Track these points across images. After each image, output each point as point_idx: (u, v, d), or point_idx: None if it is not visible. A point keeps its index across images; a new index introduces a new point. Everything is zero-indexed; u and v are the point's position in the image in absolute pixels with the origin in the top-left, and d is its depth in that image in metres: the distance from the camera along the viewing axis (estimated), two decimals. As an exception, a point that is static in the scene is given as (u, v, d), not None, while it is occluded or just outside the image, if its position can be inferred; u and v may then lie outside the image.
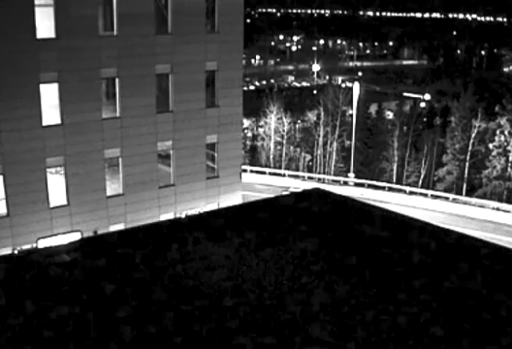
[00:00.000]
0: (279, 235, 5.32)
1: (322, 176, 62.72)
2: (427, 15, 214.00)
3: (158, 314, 3.96)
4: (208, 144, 30.03)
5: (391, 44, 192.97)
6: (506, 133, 62.98)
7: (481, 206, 52.42)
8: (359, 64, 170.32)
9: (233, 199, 29.98)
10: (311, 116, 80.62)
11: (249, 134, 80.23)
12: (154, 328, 3.78)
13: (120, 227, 25.50)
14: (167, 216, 27.60)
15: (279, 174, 61.93)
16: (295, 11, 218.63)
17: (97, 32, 25.80)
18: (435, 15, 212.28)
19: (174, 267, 4.66)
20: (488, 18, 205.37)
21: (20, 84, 23.88)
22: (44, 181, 25.30)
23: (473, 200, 55.26)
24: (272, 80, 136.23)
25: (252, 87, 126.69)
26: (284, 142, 74.34)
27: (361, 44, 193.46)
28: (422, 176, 70.13)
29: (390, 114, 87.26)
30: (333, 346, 3.61)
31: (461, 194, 60.73)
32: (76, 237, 24.44)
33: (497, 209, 51.54)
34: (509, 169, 63.19)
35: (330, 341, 3.67)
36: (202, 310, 4.00)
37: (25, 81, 23.99)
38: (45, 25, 24.32)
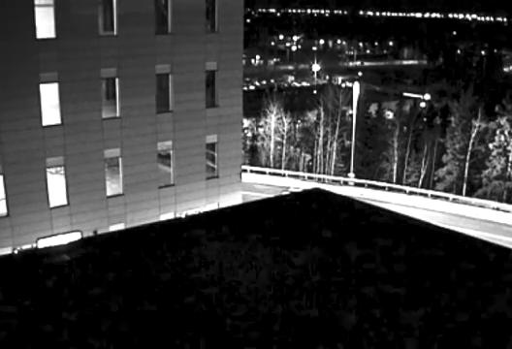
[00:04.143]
0: (279, 235, 5.33)
1: (322, 176, 62.69)
2: (427, 15, 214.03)
3: (158, 315, 3.96)
4: (208, 144, 30.03)
5: (391, 44, 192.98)
6: (506, 133, 62.95)
7: (481, 206, 52.36)
8: (359, 64, 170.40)
9: (233, 199, 29.98)
10: (311, 116, 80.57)
11: (249, 134, 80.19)
12: (154, 327, 3.79)
13: (120, 227, 25.50)
14: (167, 216, 27.61)
15: (279, 174, 61.89)
16: (295, 11, 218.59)
17: (97, 32, 25.80)
18: (435, 15, 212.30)
19: (174, 266, 4.66)
20: (488, 18, 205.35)
21: (20, 84, 23.89)
22: (44, 181, 25.29)
23: (473, 200, 55.22)
24: (272, 80, 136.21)
25: (252, 87, 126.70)
26: (284, 142, 74.31)
27: (361, 44, 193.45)
28: (422, 176, 70.10)
29: (390, 114, 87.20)
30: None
31: (461, 194, 60.69)
32: (76, 237, 24.45)
33: (497, 209, 51.50)
34: (509, 169, 63.15)
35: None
36: (201, 311, 4.01)
37: (25, 81, 23.99)
38: (45, 25, 24.31)
